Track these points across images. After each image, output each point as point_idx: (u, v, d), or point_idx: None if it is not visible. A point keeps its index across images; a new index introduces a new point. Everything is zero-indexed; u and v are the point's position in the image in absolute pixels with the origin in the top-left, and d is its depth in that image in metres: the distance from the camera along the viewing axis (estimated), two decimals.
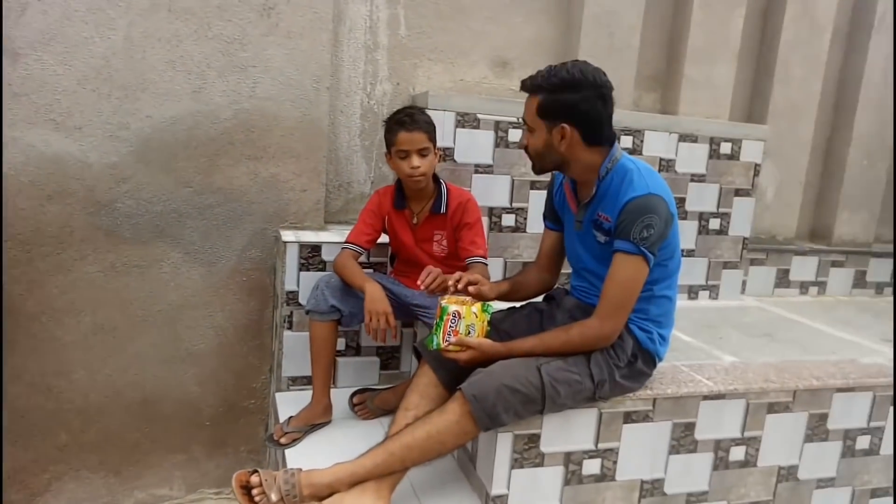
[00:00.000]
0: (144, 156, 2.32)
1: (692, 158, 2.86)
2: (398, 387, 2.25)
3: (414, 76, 2.74)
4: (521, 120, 1.79)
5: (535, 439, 1.74)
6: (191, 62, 2.30)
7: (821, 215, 3.46)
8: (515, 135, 2.59)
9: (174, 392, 2.52)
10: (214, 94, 2.34)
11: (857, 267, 3.40)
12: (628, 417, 1.81)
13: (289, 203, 2.50)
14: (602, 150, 1.70)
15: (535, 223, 2.66)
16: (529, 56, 2.86)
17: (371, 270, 2.32)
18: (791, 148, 3.24)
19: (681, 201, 2.86)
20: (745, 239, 3.03)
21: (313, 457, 1.89)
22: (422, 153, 2.05)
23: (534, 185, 2.65)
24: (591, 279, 1.83)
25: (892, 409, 2.12)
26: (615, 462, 1.83)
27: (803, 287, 3.32)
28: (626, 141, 2.73)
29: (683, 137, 2.83)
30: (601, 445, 1.80)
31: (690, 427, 1.89)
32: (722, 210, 2.96)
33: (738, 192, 2.97)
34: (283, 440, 2.07)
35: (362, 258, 2.21)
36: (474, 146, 2.57)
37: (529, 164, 1.79)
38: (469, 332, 1.66)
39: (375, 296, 1.97)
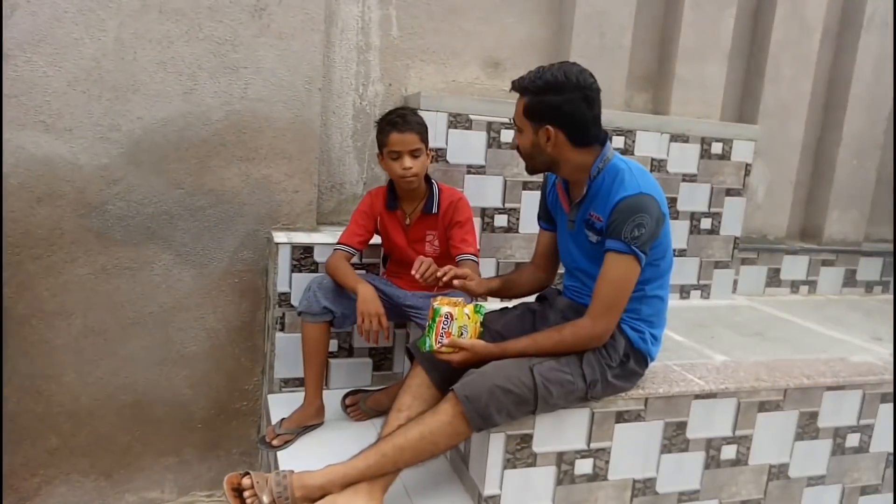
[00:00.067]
0: (135, 157, 2.31)
1: (684, 158, 2.87)
2: (391, 388, 2.25)
3: (406, 77, 2.74)
4: (511, 121, 1.80)
5: (527, 439, 1.74)
6: (182, 63, 2.29)
7: (811, 215, 3.48)
8: (508, 135, 2.59)
9: (166, 394, 2.51)
10: (206, 95, 2.33)
11: (847, 266, 3.42)
12: (620, 417, 1.81)
13: (281, 204, 2.49)
14: (592, 151, 1.70)
15: (528, 224, 2.66)
16: (521, 57, 2.86)
17: (363, 272, 2.32)
18: (781, 148, 3.26)
19: (672, 201, 2.87)
20: (736, 238, 3.04)
21: (305, 459, 1.88)
22: (414, 154, 2.05)
23: (526, 186, 2.65)
24: (583, 279, 1.84)
25: (892, 408, 2.14)
26: (607, 462, 1.84)
27: (794, 286, 3.33)
28: (618, 141, 2.74)
29: (675, 138, 2.84)
30: (593, 445, 1.81)
31: (682, 426, 1.89)
32: (713, 210, 2.97)
33: (729, 192, 2.98)
34: (275, 442, 2.06)
35: (355, 259, 2.21)
36: (466, 147, 2.57)
37: (522, 164, 1.80)
38: (461, 334, 1.67)
39: (368, 297, 1.97)
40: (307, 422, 2.13)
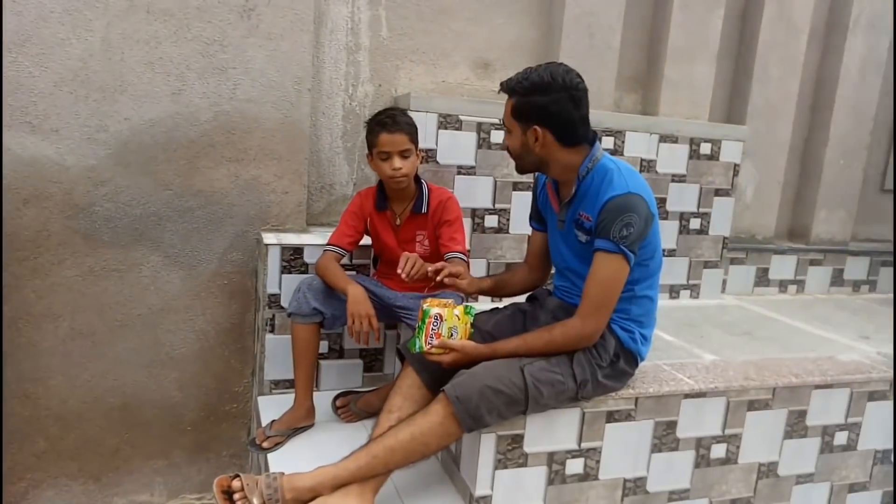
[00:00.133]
0: (123, 158, 2.29)
1: (672, 159, 2.89)
2: (381, 389, 2.25)
3: (396, 78, 2.74)
4: (501, 121, 1.80)
5: (518, 440, 1.74)
6: (170, 64, 2.28)
7: (799, 215, 3.51)
8: (498, 136, 2.59)
9: (154, 397, 2.49)
10: (194, 95, 2.32)
11: (834, 265, 3.45)
12: (611, 417, 1.82)
13: (270, 205, 2.48)
14: (581, 150, 1.71)
15: (518, 224, 2.66)
16: (511, 57, 2.87)
17: (353, 272, 2.31)
18: (769, 148, 3.28)
19: (661, 201, 2.88)
20: (725, 238, 3.06)
21: (296, 461, 1.88)
22: (403, 154, 2.05)
23: (516, 187, 2.66)
24: (573, 279, 1.84)
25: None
26: (598, 461, 1.84)
27: (782, 285, 3.36)
28: (607, 142, 2.75)
29: (664, 138, 2.86)
30: (584, 445, 1.81)
31: (672, 425, 1.90)
32: (702, 210, 2.99)
33: (717, 193, 3.00)
34: (265, 444, 2.05)
35: (345, 260, 2.20)
36: (456, 147, 2.57)
37: (512, 165, 1.81)
38: (452, 335, 1.67)
39: (358, 298, 1.96)
40: (297, 423, 2.12)
